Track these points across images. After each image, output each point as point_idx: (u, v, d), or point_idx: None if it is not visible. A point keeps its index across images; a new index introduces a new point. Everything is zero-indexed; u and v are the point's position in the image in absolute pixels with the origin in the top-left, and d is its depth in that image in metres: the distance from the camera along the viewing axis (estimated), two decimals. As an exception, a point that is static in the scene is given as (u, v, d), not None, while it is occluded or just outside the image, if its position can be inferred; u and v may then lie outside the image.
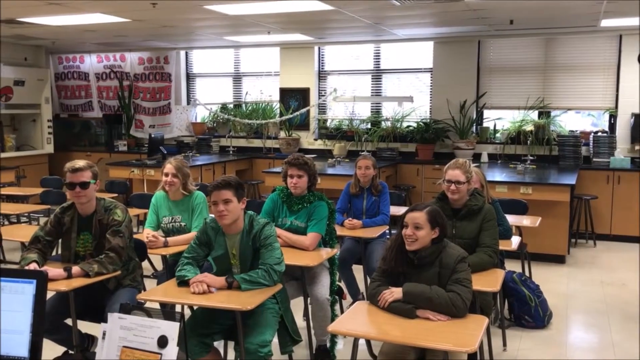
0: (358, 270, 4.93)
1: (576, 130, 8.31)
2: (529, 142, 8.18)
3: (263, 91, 9.98)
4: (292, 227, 4.03)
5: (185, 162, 4.50)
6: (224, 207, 3.25)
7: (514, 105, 8.57)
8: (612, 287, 5.76)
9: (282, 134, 9.64)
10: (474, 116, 8.72)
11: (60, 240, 3.72)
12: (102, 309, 3.45)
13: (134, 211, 5.72)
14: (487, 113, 8.88)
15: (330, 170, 7.57)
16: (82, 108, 11.17)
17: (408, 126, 9.05)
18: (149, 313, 1.98)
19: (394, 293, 2.92)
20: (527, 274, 5.24)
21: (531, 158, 7.92)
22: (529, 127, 8.34)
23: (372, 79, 9.45)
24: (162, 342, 1.90)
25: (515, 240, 4.43)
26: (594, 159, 7.90)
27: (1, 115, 9.72)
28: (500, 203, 4.62)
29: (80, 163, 3.59)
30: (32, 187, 7.92)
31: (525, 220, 5.24)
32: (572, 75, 8.31)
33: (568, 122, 8.51)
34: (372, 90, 9.46)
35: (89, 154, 10.17)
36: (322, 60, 9.67)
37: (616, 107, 8.10)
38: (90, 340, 3.85)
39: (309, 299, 3.91)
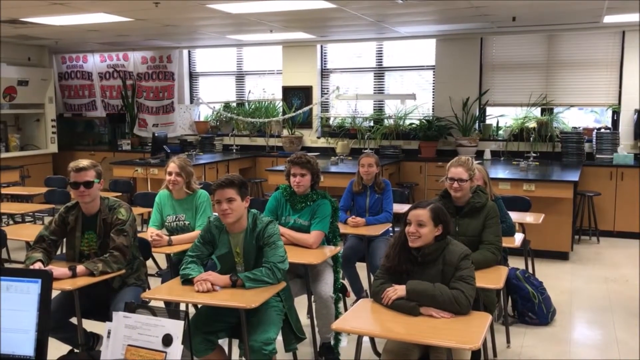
0: (361, 268, 4.94)
1: (579, 127, 8.29)
2: (531, 139, 8.17)
3: (266, 89, 9.99)
4: (295, 225, 4.04)
5: (188, 161, 4.51)
6: (227, 206, 3.25)
7: (516, 102, 8.55)
8: (616, 284, 5.75)
9: (285, 132, 9.65)
10: (477, 113, 8.71)
11: (64, 240, 3.73)
12: (107, 307, 3.47)
13: (137, 210, 5.74)
14: (489, 110, 8.87)
15: (333, 168, 7.58)
16: (85, 107, 11.19)
17: (411, 124, 9.04)
18: (153, 312, 1.99)
19: (398, 290, 2.93)
20: (530, 270, 5.24)
21: (534, 155, 7.92)
22: (532, 124, 8.32)
23: (374, 76, 9.45)
24: (167, 340, 1.91)
25: (518, 237, 4.43)
26: (597, 156, 7.89)
27: (5, 115, 9.76)
28: (503, 200, 4.62)
29: (84, 162, 3.60)
30: (36, 187, 7.96)
31: (528, 217, 5.24)
32: (575, 71, 8.29)
33: (571, 119, 8.49)
34: (374, 88, 9.46)
35: (92, 153, 10.20)
36: (325, 58, 9.67)
37: (619, 103, 8.08)
38: (96, 338, 3.87)
39: (312, 296, 3.92)
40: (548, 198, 6.34)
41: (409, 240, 3.01)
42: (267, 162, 9.14)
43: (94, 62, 10.94)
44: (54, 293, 3.07)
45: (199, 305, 3.38)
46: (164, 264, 4.72)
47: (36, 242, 3.61)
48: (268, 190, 8.25)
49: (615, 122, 8.20)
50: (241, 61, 10.26)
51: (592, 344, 4.42)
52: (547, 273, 5.87)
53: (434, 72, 8.96)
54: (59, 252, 3.90)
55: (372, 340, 3.12)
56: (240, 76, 10.32)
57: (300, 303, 3.89)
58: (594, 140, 8.00)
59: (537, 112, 8.52)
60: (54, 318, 3.36)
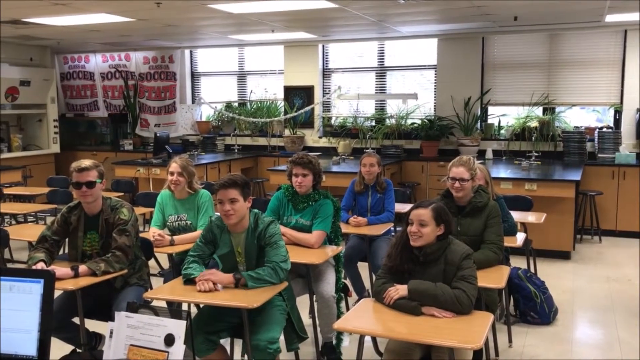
0: (363, 268, 4.94)
1: (581, 126, 8.28)
2: (533, 138, 8.17)
3: (267, 89, 10.00)
4: (297, 225, 4.04)
5: (190, 160, 4.52)
6: (230, 207, 3.26)
7: (518, 102, 8.54)
8: (618, 283, 5.75)
9: (287, 132, 9.65)
10: (479, 113, 8.71)
11: (67, 240, 3.74)
12: (109, 307, 3.48)
13: (139, 210, 5.75)
14: (491, 109, 8.87)
15: (334, 168, 7.58)
16: (87, 107, 11.21)
17: (412, 123, 9.04)
18: (155, 311, 2.00)
19: (399, 290, 2.93)
20: (532, 270, 5.24)
21: (536, 154, 7.91)
22: (534, 124, 8.32)
23: (376, 76, 9.45)
24: (169, 340, 1.91)
25: (520, 237, 4.43)
26: (599, 155, 7.88)
27: (8, 116, 9.77)
28: (505, 199, 4.62)
29: (86, 162, 3.61)
30: (38, 187, 7.97)
31: (530, 217, 5.24)
32: (577, 71, 8.29)
33: (573, 118, 8.48)
34: (376, 87, 9.45)
35: (94, 153, 10.21)
36: (327, 58, 9.67)
37: (621, 102, 8.07)
38: (98, 338, 3.87)
39: (314, 296, 3.93)
40: (550, 197, 6.33)
41: (410, 239, 3.01)
42: (268, 162, 9.15)
43: (96, 63, 10.96)
44: (57, 293, 3.07)
45: (201, 305, 3.39)
46: (166, 264, 4.72)
47: (38, 242, 3.62)
48: (270, 190, 8.25)
49: (617, 122, 8.19)
50: (243, 61, 10.26)
51: (594, 344, 4.42)
52: (549, 272, 5.87)
53: (435, 71, 8.96)
54: (61, 252, 3.91)
55: (374, 340, 3.12)
56: (242, 76, 10.32)
57: (302, 303, 3.90)
58: (596, 140, 7.99)
59: (539, 111, 8.51)
60: (56, 318, 3.38)
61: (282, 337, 3.29)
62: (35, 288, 2.02)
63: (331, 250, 3.97)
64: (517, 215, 4.90)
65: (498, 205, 3.90)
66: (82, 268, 3.40)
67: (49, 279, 2.03)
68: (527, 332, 4.53)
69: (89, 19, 6.99)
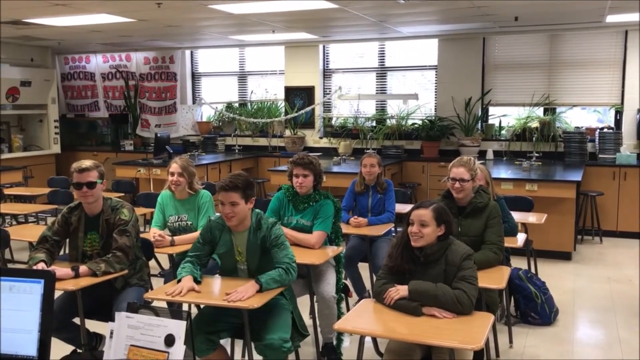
0: (364, 268, 4.94)
1: (582, 127, 8.27)
2: (534, 138, 8.16)
3: (268, 90, 10.00)
4: (297, 225, 4.04)
5: (190, 161, 4.52)
6: (230, 210, 3.26)
7: (519, 102, 8.54)
8: (619, 284, 5.74)
9: (288, 133, 9.65)
10: (479, 113, 8.71)
11: (67, 240, 3.74)
12: (110, 308, 3.48)
13: (140, 210, 5.75)
14: (492, 110, 8.87)
15: (335, 169, 7.58)
16: (88, 108, 11.21)
17: (413, 124, 9.04)
18: (156, 312, 2.00)
19: (400, 290, 2.93)
20: (533, 270, 5.24)
21: (537, 155, 7.91)
22: (535, 124, 8.32)
23: (377, 76, 9.45)
24: (169, 340, 1.91)
25: (521, 237, 4.43)
26: (600, 155, 7.88)
27: (8, 116, 9.77)
28: (505, 200, 4.62)
29: (86, 163, 3.61)
30: (39, 187, 7.97)
31: (531, 217, 5.24)
32: (578, 71, 8.28)
33: (574, 119, 8.48)
34: (377, 88, 9.45)
35: (95, 153, 10.20)
36: (327, 58, 9.67)
37: (622, 103, 8.06)
38: (98, 339, 3.87)
39: (315, 296, 3.93)
40: (551, 198, 6.33)
41: (411, 240, 3.01)
42: (269, 162, 9.15)
43: (97, 63, 10.96)
44: (57, 293, 3.07)
45: (202, 306, 3.39)
46: (166, 264, 4.72)
47: (39, 243, 3.62)
48: (270, 190, 8.25)
49: (618, 122, 8.19)
50: (243, 61, 10.26)
51: (594, 344, 4.42)
52: (549, 273, 5.87)
53: (436, 72, 8.96)
54: (62, 253, 3.91)
55: (374, 340, 3.12)
56: (242, 76, 10.32)
57: (303, 303, 3.89)
58: (597, 140, 7.98)
59: (539, 112, 8.50)
60: (56, 318, 3.38)
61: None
62: (36, 288, 2.02)
63: (332, 251, 3.97)
64: (517, 216, 4.90)
65: (498, 205, 3.90)
66: (83, 268, 3.40)
67: (50, 279, 2.03)
68: (528, 333, 4.53)
69: (89, 19, 6.99)
